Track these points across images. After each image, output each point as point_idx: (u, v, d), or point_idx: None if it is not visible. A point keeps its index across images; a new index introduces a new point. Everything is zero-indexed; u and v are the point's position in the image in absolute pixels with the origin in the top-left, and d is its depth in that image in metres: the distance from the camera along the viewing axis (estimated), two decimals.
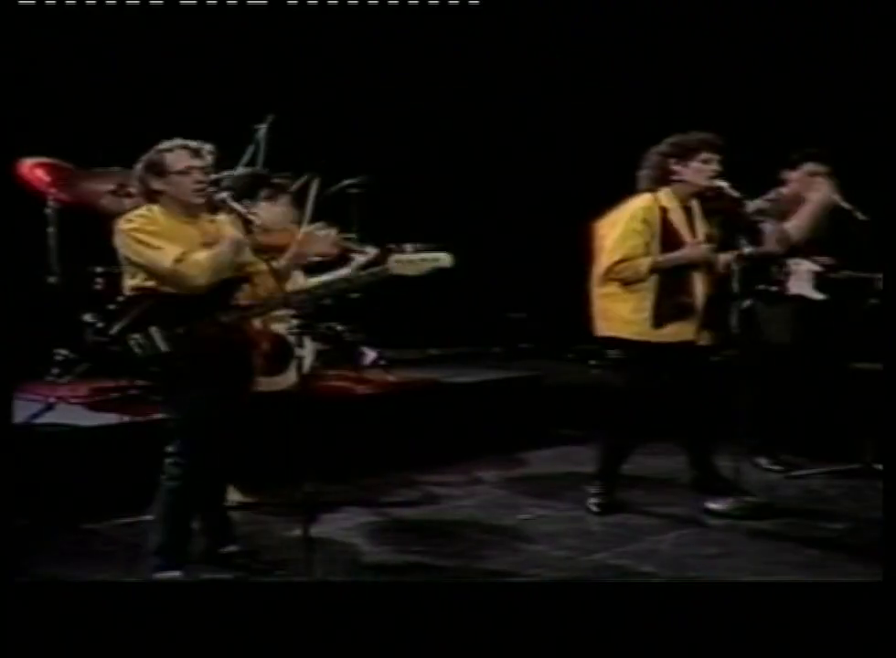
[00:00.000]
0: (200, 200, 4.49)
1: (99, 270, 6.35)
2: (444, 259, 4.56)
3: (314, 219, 5.57)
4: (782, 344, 6.05)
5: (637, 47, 8.25)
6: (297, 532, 4.61)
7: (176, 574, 4.43)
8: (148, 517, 4.57)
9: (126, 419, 5.87)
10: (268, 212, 5.25)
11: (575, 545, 5.10)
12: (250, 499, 5.53)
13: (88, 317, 6.47)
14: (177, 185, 4.45)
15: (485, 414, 7.03)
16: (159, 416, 5.00)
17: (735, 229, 5.51)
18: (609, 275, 5.30)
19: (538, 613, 3.71)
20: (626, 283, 5.30)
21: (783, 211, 6.01)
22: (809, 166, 6.09)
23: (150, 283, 4.42)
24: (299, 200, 5.86)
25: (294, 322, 4.88)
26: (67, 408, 6.08)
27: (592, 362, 8.49)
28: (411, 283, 4.62)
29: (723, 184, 5.33)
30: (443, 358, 8.30)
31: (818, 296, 6.04)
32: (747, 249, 5.48)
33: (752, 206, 5.63)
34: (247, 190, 5.30)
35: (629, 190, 5.43)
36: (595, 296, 5.40)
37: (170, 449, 4.46)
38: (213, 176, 4.64)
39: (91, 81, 7.17)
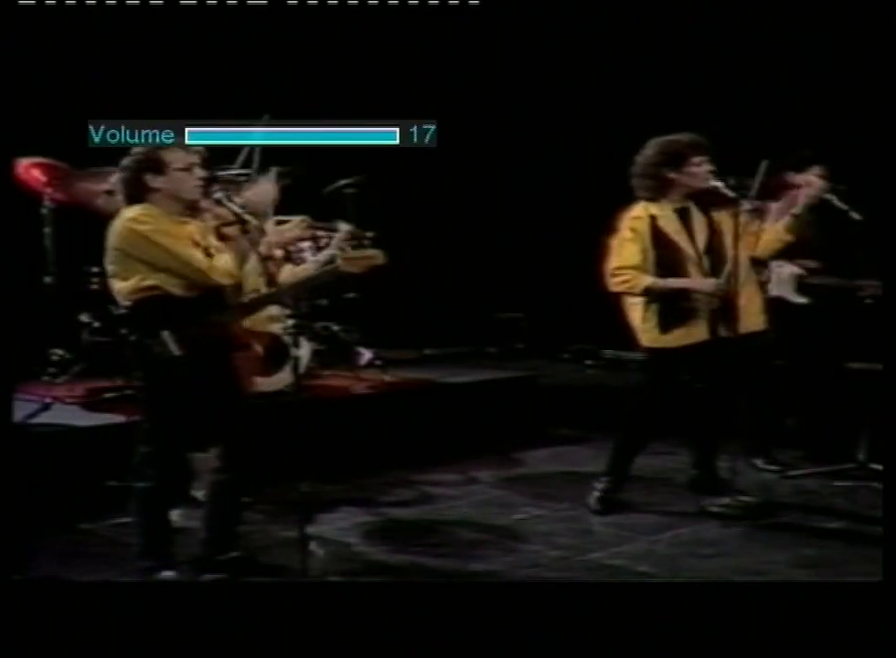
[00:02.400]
0: (200, 197, 4.44)
1: (95, 269, 6.34)
2: (379, 256, 4.68)
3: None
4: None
5: (638, 46, 8.25)
6: (293, 532, 4.62)
7: (170, 574, 4.43)
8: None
9: (122, 419, 5.87)
10: (255, 193, 5.23)
11: (571, 544, 5.11)
12: (246, 499, 5.52)
13: (84, 317, 6.48)
14: (179, 181, 4.38)
15: (481, 414, 7.03)
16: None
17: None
18: (609, 284, 5.34)
19: (534, 613, 3.72)
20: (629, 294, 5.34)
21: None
22: (817, 170, 6.05)
23: (148, 283, 4.31)
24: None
25: (290, 322, 4.88)
26: (63, 409, 6.07)
27: (588, 362, 8.52)
28: (408, 283, 4.64)
29: (718, 183, 5.33)
30: (439, 358, 8.30)
31: (799, 299, 6.06)
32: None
33: (748, 205, 5.62)
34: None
35: (626, 190, 5.43)
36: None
37: (145, 449, 4.43)
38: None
39: (91, 81, 7.16)
